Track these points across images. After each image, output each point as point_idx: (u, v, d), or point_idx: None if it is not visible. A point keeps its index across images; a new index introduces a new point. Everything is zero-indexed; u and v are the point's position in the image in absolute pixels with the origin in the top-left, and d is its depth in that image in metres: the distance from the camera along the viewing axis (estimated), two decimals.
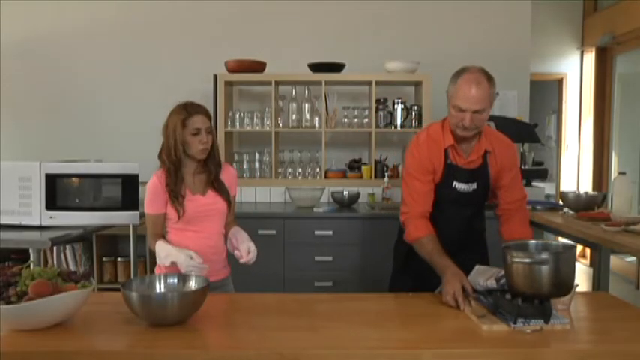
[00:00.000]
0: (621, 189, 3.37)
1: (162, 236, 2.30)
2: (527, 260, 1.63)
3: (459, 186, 2.26)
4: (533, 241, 1.84)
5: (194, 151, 2.24)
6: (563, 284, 1.63)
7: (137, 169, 3.02)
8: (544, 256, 1.63)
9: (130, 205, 3.01)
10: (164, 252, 2.20)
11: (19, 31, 4.58)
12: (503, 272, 1.82)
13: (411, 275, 2.41)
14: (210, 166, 2.31)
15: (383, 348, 1.50)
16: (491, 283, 1.82)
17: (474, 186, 2.28)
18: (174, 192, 2.23)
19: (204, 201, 2.30)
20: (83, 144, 4.53)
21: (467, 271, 2.07)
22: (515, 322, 1.62)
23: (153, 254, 4.03)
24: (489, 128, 2.32)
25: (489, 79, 2.12)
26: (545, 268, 1.60)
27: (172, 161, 2.24)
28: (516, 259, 1.64)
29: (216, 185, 2.32)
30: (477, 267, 1.96)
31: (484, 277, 1.87)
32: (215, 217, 2.33)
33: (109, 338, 1.59)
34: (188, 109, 2.24)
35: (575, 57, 6.21)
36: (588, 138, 6.14)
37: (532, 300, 1.64)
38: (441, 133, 2.25)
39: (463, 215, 2.35)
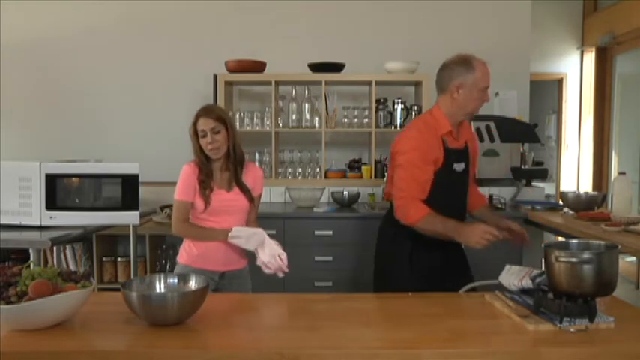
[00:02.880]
0: (621, 189, 3.37)
1: (188, 221, 2.49)
2: (573, 260, 1.62)
3: (456, 166, 2.42)
4: (574, 241, 1.85)
5: (206, 151, 2.43)
6: (608, 283, 1.64)
7: (137, 169, 3.01)
8: (589, 255, 1.63)
9: (130, 205, 3.01)
10: (244, 233, 2.40)
11: (19, 31, 4.58)
12: (535, 271, 1.83)
13: (416, 276, 2.41)
14: (229, 164, 2.48)
15: (383, 348, 1.50)
16: (527, 283, 1.82)
17: (464, 165, 2.46)
18: (205, 184, 2.42)
19: (228, 196, 2.47)
20: (83, 144, 4.53)
21: (459, 261, 2.49)
22: (561, 322, 1.62)
23: (153, 254, 4.06)
24: None
25: None
26: (591, 267, 1.60)
27: (200, 159, 2.45)
28: (562, 259, 1.64)
29: (240, 184, 2.49)
30: (507, 267, 1.96)
31: (517, 277, 1.86)
32: (236, 213, 2.50)
33: (109, 338, 1.59)
34: (198, 112, 2.45)
35: (575, 57, 6.21)
36: (588, 138, 6.14)
37: (575, 299, 1.64)
38: (434, 122, 2.40)
39: (460, 195, 2.50)
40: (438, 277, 2.39)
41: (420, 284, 2.22)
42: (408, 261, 2.45)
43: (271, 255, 2.39)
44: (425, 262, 2.42)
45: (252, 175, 2.55)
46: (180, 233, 2.49)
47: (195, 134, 2.43)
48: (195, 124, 2.43)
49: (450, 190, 2.41)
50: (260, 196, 2.62)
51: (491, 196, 3.97)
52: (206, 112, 2.44)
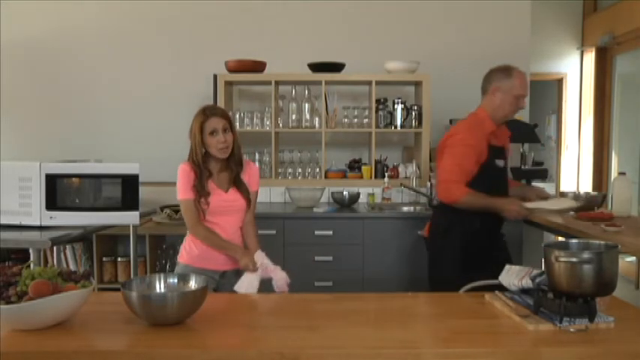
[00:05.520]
0: (621, 189, 3.37)
1: (200, 220, 2.45)
2: (573, 260, 1.62)
3: (497, 162, 2.77)
4: (574, 241, 1.86)
5: (213, 151, 2.40)
6: (608, 283, 1.64)
7: (137, 169, 3.01)
8: (589, 255, 1.63)
9: (130, 205, 3.01)
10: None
11: (19, 31, 4.58)
12: (535, 271, 1.83)
13: (466, 264, 2.67)
14: (231, 164, 2.47)
15: (383, 348, 1.50)
16: (527, 283, 1.82)
17: (503, 162, 2.82)
18: (201, 190, 2.40)
19: (226, 197, 2.46)
20: (83, 144, 4.53)
21: (501, 249, 2.83)
22: (561, 322, 1.62)
23: (153, 254, 4.07)
24: None
25: None
26: (591, 267, 1.60)
27: (196, 162, 2.41)
28: (562, 259, 1.64)
29: (238, 184, 2.47)
30: (507, 267, 1.96)
31: (517, 277, 1.87)
32: (234, 213, 2.50)
33: (109, 338, 1.59)
34: (206, 112, 2.41)
35: (575, 57, 6.21)
36: (588, 138, 6.14)
37: (575, 299, 1.64)
38: (480, 122, 2.76)
39: (502, 189, 2.84)
40: (484, 264, 2.58)
41: (469, 271, 2.45)
42: (460, 250, 2.73)
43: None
44: (474, 250, 2.72)
45: (247, 172, 2.54)
46: (198, 234, 2.45)
47: (201, 132, 2.38)
48: (203, 122, 2.37)
49: (494, 183, 2.76)
50: (257, 192, 2.61)
51: None
52: (215, 111, 2.42)
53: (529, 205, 2.71)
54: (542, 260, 1.79)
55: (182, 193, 2.43)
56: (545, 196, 2.99)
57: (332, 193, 4.14)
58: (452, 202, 2.69)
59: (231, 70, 4.14)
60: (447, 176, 2.71)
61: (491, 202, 2.67)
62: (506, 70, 2.73)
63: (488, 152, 2.73)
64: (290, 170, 4.34)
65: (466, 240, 2.75)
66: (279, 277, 2.42)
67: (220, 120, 2.39)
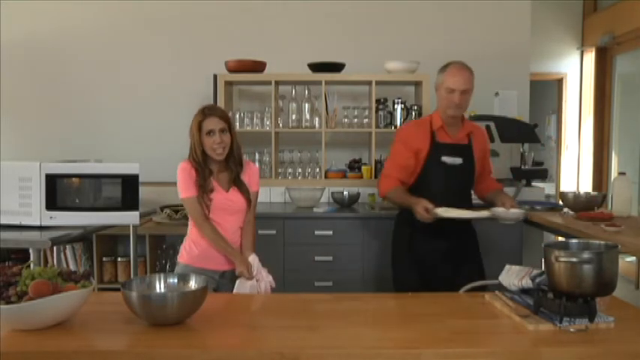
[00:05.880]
0: (621, 189, 3.37)
1: (206, 217, 2.46)
2: (573, 260, 1.63)
3: (447, 159, 2.72)
4: (574, 241, 1.86)
5: (209, 151, 2.41)
6: (608, 283, 1.65)
7: (137, 169, 3.01)
8: (589, 255, 1.63)
9: (130, 205, 3.01)
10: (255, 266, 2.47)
11: (19, 31, 4.58)
12: (535, 271, 1.83)
13: (415, 269, 2.70)
14: (231, 165, 2.48)
15: (382, 348, 1.50)
16: (527, 283, 1.82)
17: (460, 160, 2.74)
18: (203, 187, 2.41)
19: (227, 197, 2.47)
20: (83, 144, 4.53)
21: (459, 251, 2.71)
22: (561, 322, 1.62)
23: (153, 254, 4.06)
24: (467, 119, 2.90)
25: (470, 68, 2.69)
26: (591, 267, 1.61)
27: (197, 160, 2.42)
28: (562, 259, 1.64)
29: (238, 184, 2.49)
30: (507, 267, 1.96)
31: (517, 277, 1.87)
32: (235, 213, 2.50)
33: (109, 338, 1.59)
34: (205, 111, 2.42)
35: (575, 57, 6.21)
36: (588, 138, 6.15)
37: (575, 299, 1.64)
38: (427, 119, 2.81)
39: (457, 186, 2.75)
40: (436, 265, 2.69)
41: (419, 271, 2.64)
42: (407, 249, 2.76)
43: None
44: (423, 250, 2.72)
45: (247, 172, 2.56)
46: (204, 232, 2.45)
47: (199, 132, 2.40)
48: (201, 122, 2.39)
49: (443, 180, 2.72)
50: (257, 192, 2.62)
51: None
52: (214, 111, 2.43)
53: (439, 210, 2.53)
54: (542, 260, 1.79)
55: (184, 191, 2.44)
56: (504, 202, 2.72)
57: (332, 193, 4.14)
58: (381, 196, 2.85)
59: (231, 70, 4.14)
60: (383, 171, 2.86)
61: (406, 200, 2.65)
62: (444, 66, 2.74)
63: (434, 149, 2.71)
64: (290, 170, 4.33)
65: (407, 240, 2.75)
66: (265, 282, 2.46)
67: (218, 121, 2.40)
